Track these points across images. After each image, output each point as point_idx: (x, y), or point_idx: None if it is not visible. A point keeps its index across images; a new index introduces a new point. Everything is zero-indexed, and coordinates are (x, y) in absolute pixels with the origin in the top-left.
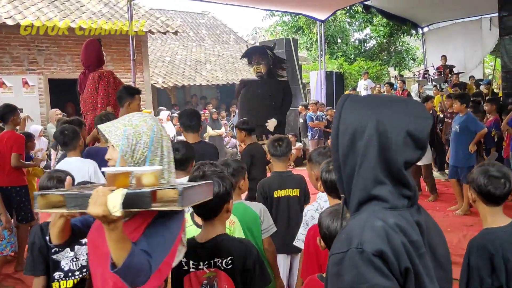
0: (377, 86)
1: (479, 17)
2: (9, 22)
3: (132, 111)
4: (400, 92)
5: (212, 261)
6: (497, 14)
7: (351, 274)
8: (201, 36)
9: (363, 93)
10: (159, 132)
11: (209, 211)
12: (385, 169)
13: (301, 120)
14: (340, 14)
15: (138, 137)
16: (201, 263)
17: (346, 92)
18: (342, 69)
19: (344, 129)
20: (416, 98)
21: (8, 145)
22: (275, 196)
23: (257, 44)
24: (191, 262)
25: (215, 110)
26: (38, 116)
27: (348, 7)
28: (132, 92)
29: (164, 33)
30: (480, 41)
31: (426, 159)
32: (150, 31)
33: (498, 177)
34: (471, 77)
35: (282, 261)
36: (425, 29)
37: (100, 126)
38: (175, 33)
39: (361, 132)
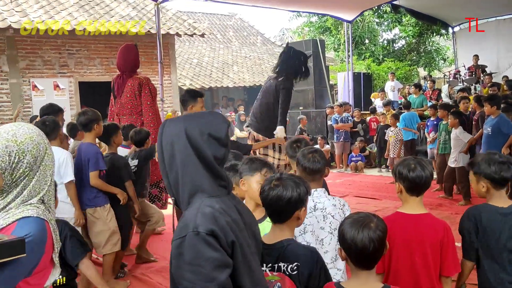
0: (406, 87)
1: None
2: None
3: None
4: (430, 92)
5: (276, 265)
6: None
7: (191, 252)
8: (228, 38)
9: (390, 94)
10: (45, 151)
11: (279, 215)
12: (202, 166)
13: (329, 122)
14: (368, 14)
15: (21, 155)
16: (264, 265)
17: (374, 94)
18: (370, 69)
19: (165, 142)
20: (446, 99)
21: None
22: None
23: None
24: None
25: (243, 112)
26: (69, 118)
27: (376, 7)
28: (195, 96)
29: (191, 36)
30: None
31: (462, 162)
32: (177, 34)
33: (505, 162)
34: (504, 77)
35: None
36: (456, 29)
37: None
38: (202, 35)
39: (177, 140)
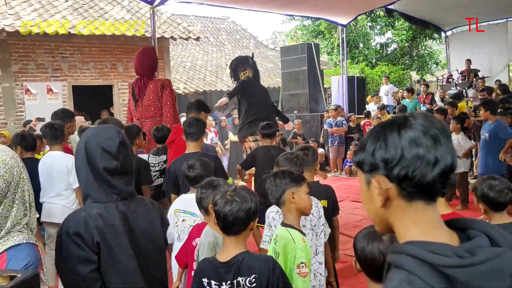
0: (399, 91)
1: (505, 19)
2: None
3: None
4: (424, 96)
5: (235, 281)
6: None
7: (61, 248)
8: (221, 41)
9: (384, 98)
10: (19, 175)
11: (235, 228)
12: (92, 175)
13: (324, 126)
14: (361, 18)
15: None
16: (224, 283)
17: (368, 97)
18: (364, 73)
19: (78, 148)
20: (439, 103)
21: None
22: None
23: (277, 48)
24: (213, 282)
25: (237, 115)
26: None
27: (369, 11)
28: (199, 108)
29: (186, 39)
30: (506, 44)
31: (463, 167)
32: (172, 37)
33: (503, 189)
34: (497, 81)
35: None
36: (449, 33)
37: None
38: (197, 39)
39: (79, 150)
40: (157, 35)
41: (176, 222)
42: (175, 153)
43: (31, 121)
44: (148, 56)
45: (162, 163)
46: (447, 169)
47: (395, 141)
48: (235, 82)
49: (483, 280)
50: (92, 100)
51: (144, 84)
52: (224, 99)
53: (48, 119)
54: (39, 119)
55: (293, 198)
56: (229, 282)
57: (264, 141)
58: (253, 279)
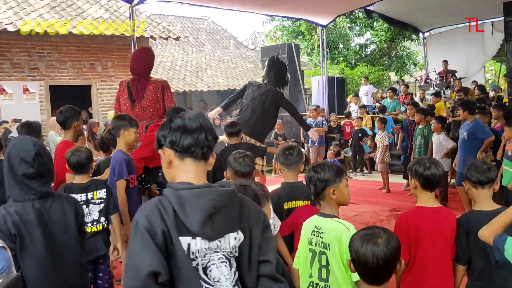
0: (379, 91)
1: (481, 22)
2: (10, 28)
3: None
4: (404, 96)
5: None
6: (498, 19)
7: None
8: (201, 41)
9: (364, 98)
10: None
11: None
12: (14, 179)
13: None
14: (341, 19)
15: None
16: None
17: (350, 97)
18: (344, 74)
19: (3, 160)
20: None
21: (62, 159)
22: (285, 207)
23: (258, 49)
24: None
25: (218, 116)
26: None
27: (348, 12)
28: (181, 109)
29: (166, 39)
30: (482, 46)
31: (444, 166)
32: (151, 37)
33: (484, 168)
34: (474, 82)
35: None
36: (426, 34)
37: None
38: (177, 38)
39: (5, 158)
40: (136, 35)
41: None
42: (142, 149)
43: (7, 122)
44: (145, 56)
45: None
46: (197, 139)
47: (168, 125)
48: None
49: (195, 198)
50: (70, 100)
51: (143, 85)
52: (218, 109)
53: (25, 120)
54: (16, 120)
55: (333, 194)
56: None
57: (231, 139)
58: None
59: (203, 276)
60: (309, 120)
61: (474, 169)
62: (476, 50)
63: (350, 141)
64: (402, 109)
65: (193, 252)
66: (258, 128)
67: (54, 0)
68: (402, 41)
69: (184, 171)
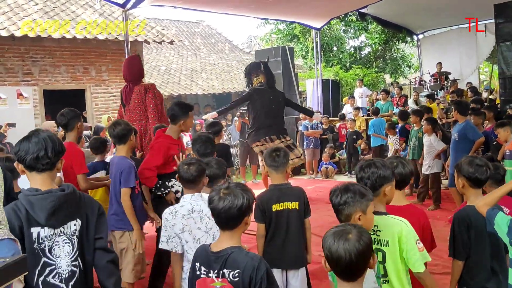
0: (373, 94)
1: (474, 23)
2: (3, 33)
3: (186, 128)
4: (398, 98)
5: (221, 271)
6: (492, 21)
7: None
8: (196, 45)
9: (358, 101)
10: None
11: (229, 223)
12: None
13: (300, 129)
14: (335, 22)
15: None
16: (211, 271)
17: (345, 99)
18: (338, 76)
19: None
20: (412, 105)
21: (68, 162)
22: (274, 209)
23: (252, 52)
24: (202, 268)
25: (198, 122)
26: (33, 127)
27: (343, 15)
28: (186, 110)
29: (160, 43)
30: (476, 48)
31: (436, 168)
32: (145, 41)
33: (482, 165)
34: (468, 83)
35: (278, 275)
36: (420, 36)
37: None
38: (171, 42)
39: None
40: (130, 39)
41: None
42: (153, 157)
43: (1, 126)
44: (134, 64)
45: None
46: (37, 157)
47: (18, 145)
48: (247, 87)
49: (40, 201)
50: (64, 104)
51: (130, 90)
52: (214, 114)
53: (19, 125)
54: (10, 125)
55: (387, 192)
56: (216, 271)
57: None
58: (236, 274)
59: (48, 254)
60: (305, 123)
61: (476, 171)
62: (470, 51)
63: (345, 143)
64: (396, 110)
65: (42, 238)
66: (283, 126)
67: (47, 5)
68: (397, 44)
69: (32, 180)
